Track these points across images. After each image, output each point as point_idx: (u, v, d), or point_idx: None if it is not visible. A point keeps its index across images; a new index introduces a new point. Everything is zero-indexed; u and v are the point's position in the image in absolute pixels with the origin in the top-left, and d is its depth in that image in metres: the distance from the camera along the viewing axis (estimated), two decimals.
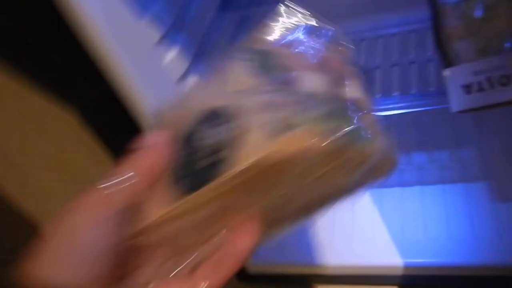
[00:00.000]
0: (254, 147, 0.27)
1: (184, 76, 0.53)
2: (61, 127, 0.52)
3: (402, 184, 0.69)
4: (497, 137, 0.69)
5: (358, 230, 0.66)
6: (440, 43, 0.48)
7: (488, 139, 0.70)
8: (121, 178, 0.29)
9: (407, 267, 0.60)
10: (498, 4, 0.45)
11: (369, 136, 0.30)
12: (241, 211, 0.31)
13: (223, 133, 0.28)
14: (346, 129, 0.28)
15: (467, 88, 0.45)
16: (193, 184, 0.29)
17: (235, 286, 0.70)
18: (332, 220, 0.68)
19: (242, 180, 0.27)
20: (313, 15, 0.34)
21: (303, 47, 0.33)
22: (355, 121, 0.29)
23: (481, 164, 0.67)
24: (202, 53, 0.58)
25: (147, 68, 0.47)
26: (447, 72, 0.46)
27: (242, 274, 0.68)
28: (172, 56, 0.51)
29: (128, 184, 0.29)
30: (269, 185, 0.29)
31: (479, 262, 0.57)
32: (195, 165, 0.29)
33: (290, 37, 0.33)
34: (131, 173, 0.29)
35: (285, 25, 0.34)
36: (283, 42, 0.33)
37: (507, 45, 0.44)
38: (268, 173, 0.28)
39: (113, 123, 0.49)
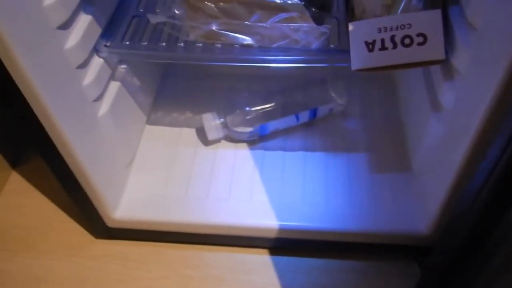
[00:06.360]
0: None
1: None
2: None
3: (286, 148, 0.67)
4: (381, 109, 0.70)
5: (236, 189, 0.62)
6: None
7: (372, 110, 0.71)
8: None
9: (281, 229, 0.58)
10: None
11: None
12: None
13: None
14: None
15: (370, 45, 0.43)
16: None
17: (92, 241, 0.64)
18: (209, 177, 0.64)
19: None
20: None
21: None
22: None
23: (363, 135, 0.68)
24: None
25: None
26: (351, 26, 0.44)
27: (101, 228, 0.61)
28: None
29: None
30: None
31: (351, 229, 0.58)
32: None
33: None
34: None
35: None
36: None
37: (413, 2, 0.42)
38: None
39: None
